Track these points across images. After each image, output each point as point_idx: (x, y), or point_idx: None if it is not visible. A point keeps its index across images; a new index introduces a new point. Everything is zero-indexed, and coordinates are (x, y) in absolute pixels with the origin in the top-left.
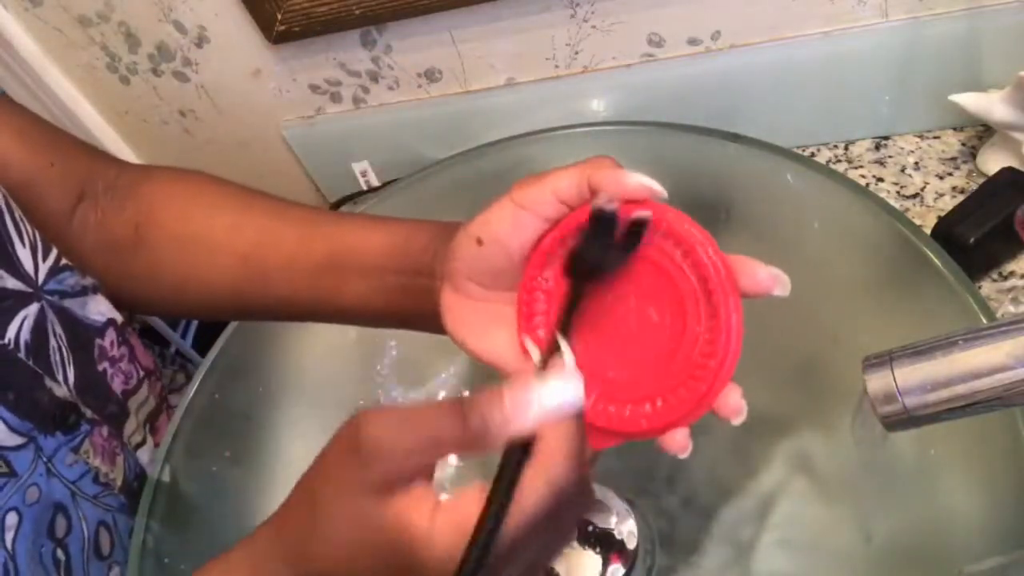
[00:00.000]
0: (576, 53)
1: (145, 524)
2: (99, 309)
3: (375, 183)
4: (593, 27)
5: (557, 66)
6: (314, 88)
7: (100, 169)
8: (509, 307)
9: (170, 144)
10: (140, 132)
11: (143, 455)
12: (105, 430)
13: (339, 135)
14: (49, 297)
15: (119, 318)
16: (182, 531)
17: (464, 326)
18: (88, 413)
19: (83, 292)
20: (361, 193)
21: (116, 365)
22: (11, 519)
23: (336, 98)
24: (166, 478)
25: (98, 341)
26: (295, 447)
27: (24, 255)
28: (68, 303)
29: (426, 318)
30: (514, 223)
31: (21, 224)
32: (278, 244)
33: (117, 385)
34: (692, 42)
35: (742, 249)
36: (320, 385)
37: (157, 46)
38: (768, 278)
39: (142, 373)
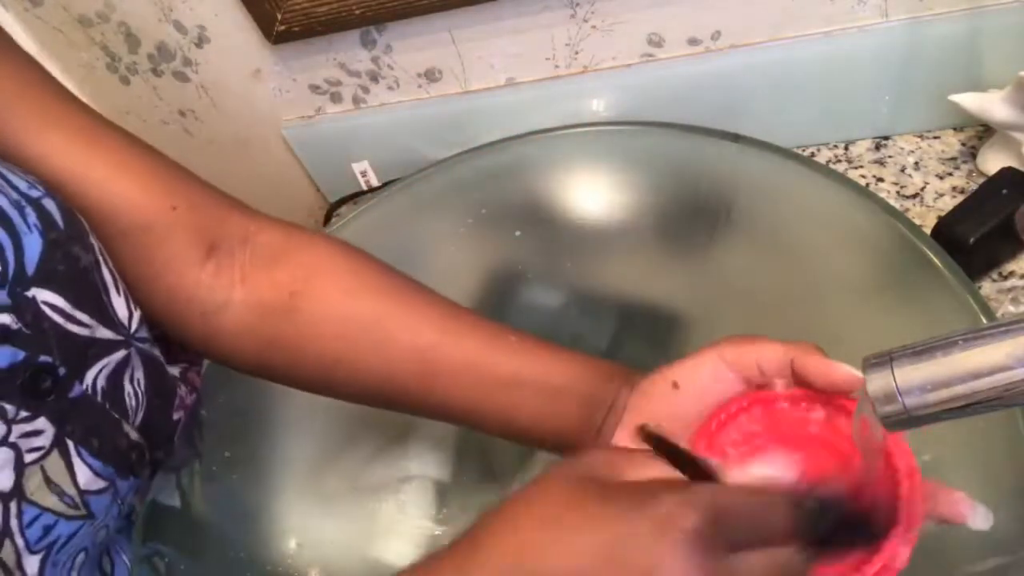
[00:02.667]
0: (576, 53)
1: (144, 523)
2: (169, 360)
3: (375, 183)
4: (593, 27)
5: (557, 66)
6: (314, 88)
7: (235, 221)
8: None
9: (170, 144)
10: (140, 132)
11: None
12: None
13: (339, 135)
14: (138, 344)
15: (187, 364)
16: (184, 525)
17: None
18: (156, 455)
19: (156, 339)
20: (361, 193)
21: (182, 410)
22: (80, 559)
23: (336, 98)
24: (166, 477)
25: (178, 391)
26: (295, 447)
27: (118, 303)
28: (154, 349)
29: (572, 445)
30: (715, 377)
31: (117, 274)
32: (459, 347)
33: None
34: (692, 42)
35: (743, 249)
36: None
37: (157, 46)
38: (964, 504)
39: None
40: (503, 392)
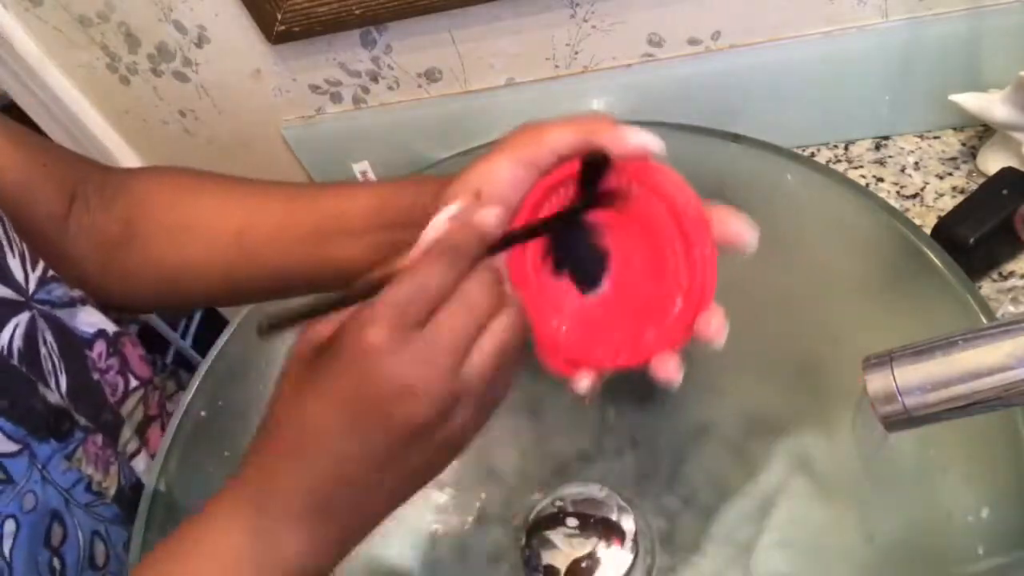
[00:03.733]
0: (576, 53)
1: (145, 523)
2: (89, 320)
3: None
4: (593, 27)
5: (557, 66)
6: (314, 88)
7: (88, 171)
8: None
9: (170, 144)
10: (140, 132)
11: (138, 464)
12: (99, 439)
13: (339, 135)
14: (39, 306)
15: (110, 329)
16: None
17: None
18: (81, 421)
19: (72, 303)
20: None
21: (105, 376)
22: (9, 526)
23: (336, 98)
24: (166, 477)
25: (87, 352)
26: None
27: (14, 264)
28: (58, 313)
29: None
30: (513, 178)
31: (11, 233)
32: (265, 218)
33: (108, 395)
34: (692, 42)
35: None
36: None
37: (157, 46)
38: (739, 225)
39: (135, 383)
40: (314, 244)
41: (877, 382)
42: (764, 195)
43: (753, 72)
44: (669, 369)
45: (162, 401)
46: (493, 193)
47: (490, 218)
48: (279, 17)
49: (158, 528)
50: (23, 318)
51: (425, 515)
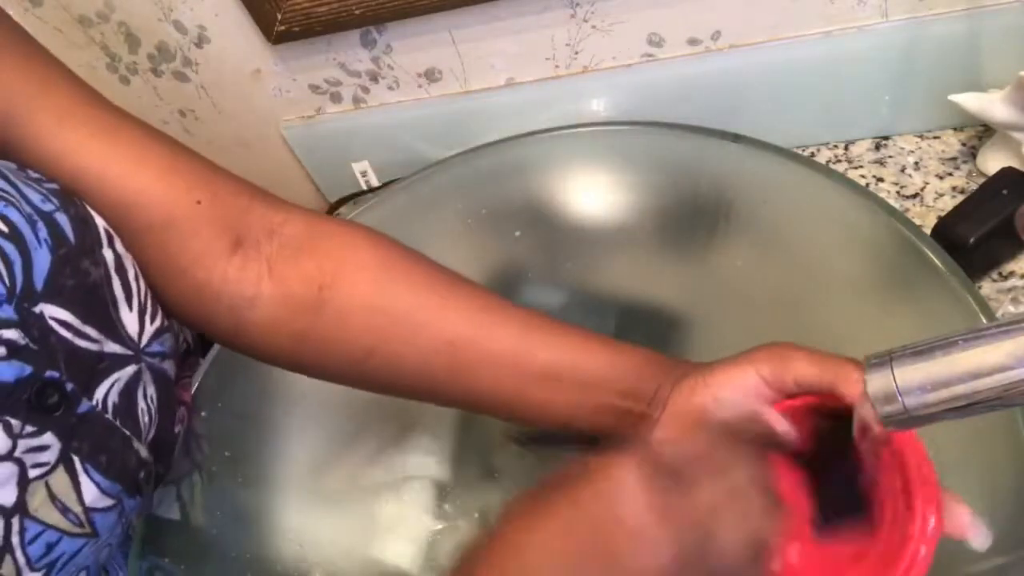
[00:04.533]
0: (576, 53)
1: (145, 523)
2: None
3: (375, 183)
4: (593, 27)
5: (557, 66)
6: (314, 88)
7: (259, 211)
8: None
9: None
10: None
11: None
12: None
13: (339, 135)
14: (149, 359)
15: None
16: (182, 531)
17: None
18: (160, 471)
19: (173, 355)
20: (361, 193)
21: (179, 423)
22: None
23: (336, 98)
24: (167, 477)
25: (179, 399)
26: (295, 448)
27: (129, 318)
28: (164, 365)
29: (610, 435)
30: (756, 394)
31: (135, 283)
32: (492, 339)
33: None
34: (692, 42)
35: (743, 250)
36: (320, 385)
37: (157, 46)
38: (967, 518)
39: (182, 411)
40: (537, 385)
41: (877, 382)
42: (764, 195)
43: (753, 72)
44: None
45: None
46: (730, 400)
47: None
48: (279, 17)
49: (158, 528)
50: (126, 372)
51: (425, 516)
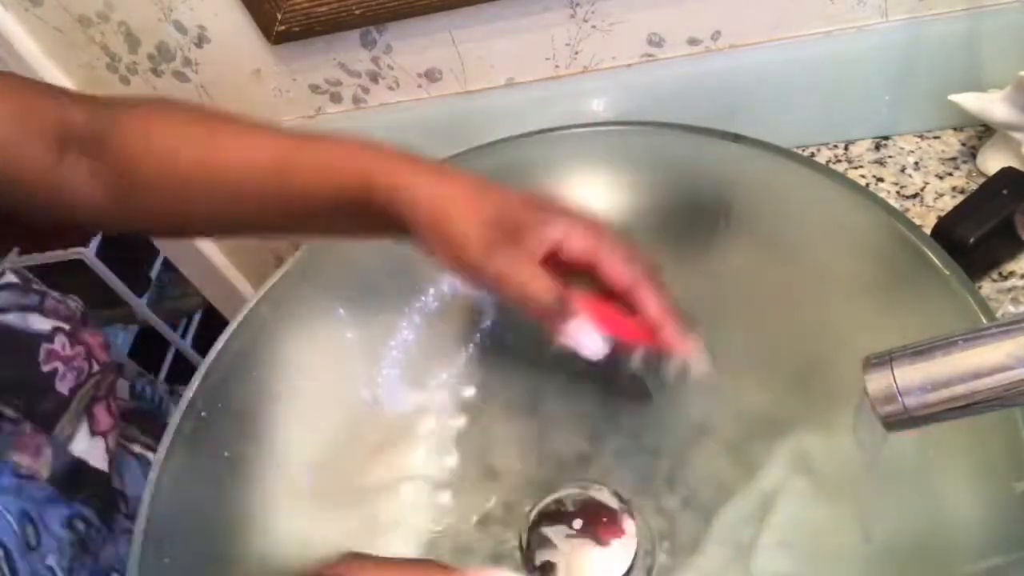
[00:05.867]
0: (576, 53)
1: (145, 523)
2: (42, 324)
3: None
4: (593, 27)
5: (557, 66)
6: (314, 88)
7: (70, 113)
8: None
9: None
10: None
11: (78, 444)
12: (28, 427)
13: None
14: None
15: (66, 326)
16: (182, 531)
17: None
18: (8, 412)
19: (22, 309)
20: None
21: (70, 363)
22: None
23: (336, 98)
24: (166, 477)
25: (45, 345)
26: (295, 447)
27: None
28: (5, 317)
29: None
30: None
31: None
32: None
33: (69, 381)
34: (692, 42)
35: (743, 250)
36: (320, 385)
37: (157, 46)
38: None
39: (96, 368)
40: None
41: (877, 382)
42: (764, 195)
43: (753, 72)
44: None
45: (113, 382)
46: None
47: None
48: (279, 17)
49: (158, 528)
50: None
51: (425, 516)
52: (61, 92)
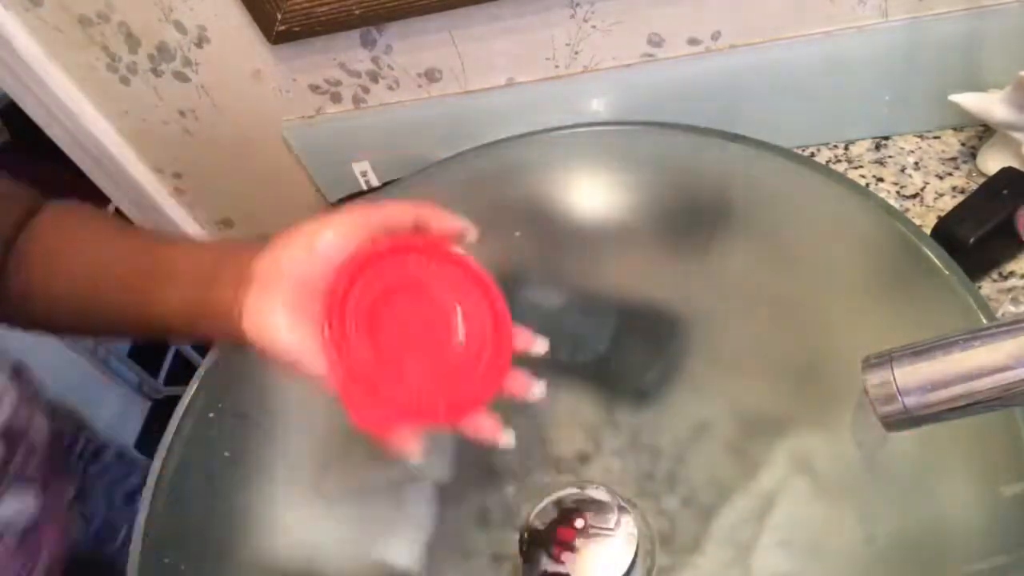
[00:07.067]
0: (576, 53)
1: (145, 523)
2: None
3: (375, 183)
4: (593, 27)
5: (557, 66)
6: (314, 88)
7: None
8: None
9: (170, 144)
10: (140, 132)
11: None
12: None
13: (339, 135)
14: None
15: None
16: (182, 531)
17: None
18: None
19: None
20: (361, 193)
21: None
22: None
23: (336, 98)
24: (167, 477)
25: None
26: (295, 447)
27: None
28: None
29: (217, 325)
30: (346, 238)
31: None
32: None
33: None
34: (692, 42)
35: (743, 250)
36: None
37: (157, 46)
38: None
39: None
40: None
41: (877, 382)
42: (764, 195)
43: (753, 72)
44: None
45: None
46: (323, 252)
47: None
48: (279, 17)
49: (159, 528)
50: None
51: (425, 516)
52: (15, 194)
